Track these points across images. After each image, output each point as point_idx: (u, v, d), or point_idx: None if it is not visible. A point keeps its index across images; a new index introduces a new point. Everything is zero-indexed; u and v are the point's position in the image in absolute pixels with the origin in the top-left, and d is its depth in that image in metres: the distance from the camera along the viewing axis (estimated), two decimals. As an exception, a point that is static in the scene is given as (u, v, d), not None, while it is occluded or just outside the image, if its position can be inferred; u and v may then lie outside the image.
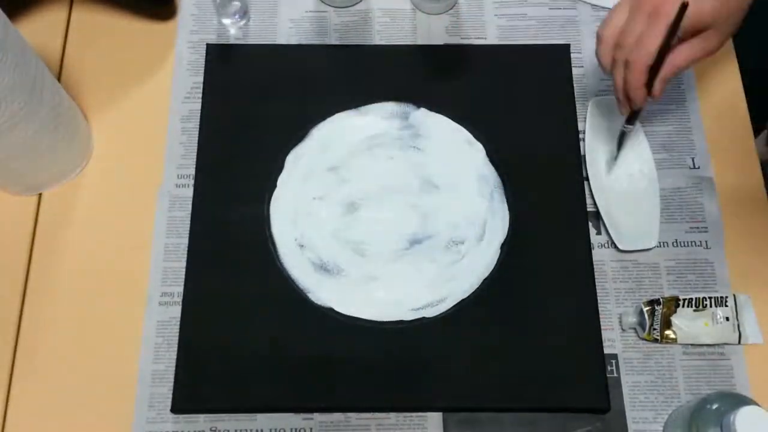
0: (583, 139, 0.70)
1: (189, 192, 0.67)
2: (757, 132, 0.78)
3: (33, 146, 0.62)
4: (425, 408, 0.61)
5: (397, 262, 0.65)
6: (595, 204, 0.67)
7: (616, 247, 0.65)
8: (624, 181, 0.68)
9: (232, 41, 0.74)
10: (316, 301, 0.63)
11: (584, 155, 0.69)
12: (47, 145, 0.63)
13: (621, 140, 0.67)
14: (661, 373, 0.62)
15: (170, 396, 0.60)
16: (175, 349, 0.62)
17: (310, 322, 0.63)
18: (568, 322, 0.63)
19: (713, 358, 0.62)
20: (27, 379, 0.62)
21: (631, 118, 0.63)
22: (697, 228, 0.66)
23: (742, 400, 0.51)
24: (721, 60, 0.73)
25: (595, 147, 0.69)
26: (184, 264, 0.64)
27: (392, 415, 0.61)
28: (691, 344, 0.62)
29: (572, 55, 0.73)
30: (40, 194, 0.68)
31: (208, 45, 0.73)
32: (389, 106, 0.70)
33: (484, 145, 0.69)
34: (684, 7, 0.54)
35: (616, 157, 0.68)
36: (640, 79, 0.57)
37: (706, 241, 0.66)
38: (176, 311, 0.63)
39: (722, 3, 0.55)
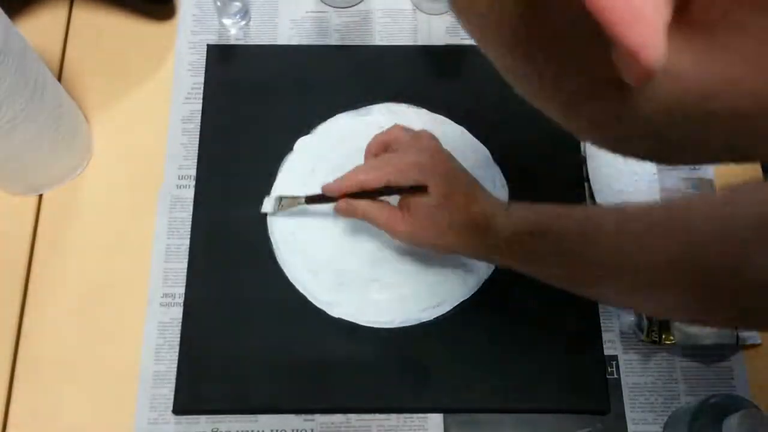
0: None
1: (190, 193, 0.67)
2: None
3: (34, 147, 0.62)
4: (426, 409, 0.61)
5: (397, 264, 0.65)
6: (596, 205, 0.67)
7: (616, 248, 0.65)
8: (625, 182, 0.68)
9: (232, 42, 0.74)
10: (316, 303, 0.63)
11: (585, 156, 0.69)
12: (48, 145, 0.63)
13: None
14: (661, 375, 0.62)
15: (172, 397, 0.60)
16: (177, 350, 0.62)
17: (310, 324, 0.63)
18: (568, 323, 0.63)
19: (713, 359, 0.63)
20: (28, 380, 0.62)
21: (316, 200, 0.62)
22: (698, 230, 0.67)
23: (741, 403, 0.51)
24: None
25: (596, 148, 0.69)
26: (185, 265, 0.64)
27: (393, 416, 0.61)
28: (691, 346, 0.63)
29: (573, 56, 0.73)
30: (41, 195, 0.68)
31: (208, 45, 0.73)
32: (390, 107, 0.70)
33: (485, 146, 0.69)
34: (422, 188, 0.56)
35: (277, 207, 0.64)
36: (346, 187, 0.58)
37: (706, 243, 0.66)
38: (177, 312, 0.63)
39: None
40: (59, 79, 0.72)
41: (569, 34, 0.20)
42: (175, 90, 0.72)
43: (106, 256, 0.66)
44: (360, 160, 0.68)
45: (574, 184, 0.68)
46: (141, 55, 0.73)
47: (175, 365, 0.61)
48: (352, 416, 0.61)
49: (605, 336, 0.63)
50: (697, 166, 0.69)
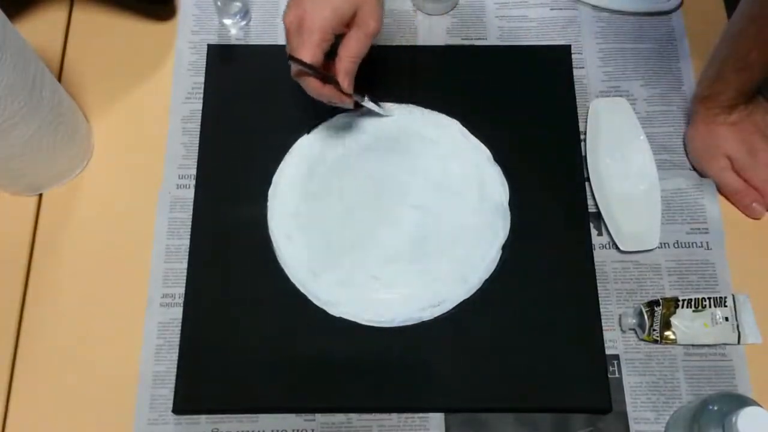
0: (584, 140, 0.70)
1: (190, 193, 0.67)
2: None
3: (33, 146, 0.61)
4: (427, 409, 0.61)
5: (397, 263, 0.65)
6: (596, 205, 0.67)
7: (617, 248, 0.65)
8: (625, 182, 0.68)
9: (233, 42, 0.74)
10: (316, 302, 0.63)
11: (585, 156, 0.69)
12: (47, 145, 0.63)
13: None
14: (663, 374, 0.62)
15: (171, 397, 0.60)
16: (176, 350, 0.61)
17: (310, 323, 0.63)
18: (569, 322, 0.63)
19: (714, 358, 0.62)
20: (27, 380, 0.61)
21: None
22: (698, 229, 0.67)
23: (743, 401, 0.51)
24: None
25: (596, 148, 0.69)
26: (185, 265, 0.64)
27: (394, 415, 0.61)
28: (692, 345, 0.62)
29: (573, 56, 0.73)
30: (41, 194, 0.68)
31: (209, 45, 0.73)
32: (390, 107, 0.70)
33: (485, 146, 0.69)
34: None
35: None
36: (344, 84, 0.59)
37: (707, 242, 0.66)
38: (177, 312, 0.63)
39: None
40: (59, 79, 0.72)
41: None
42: (175, 90, 0.72)
43: (106, 256, 0.66)
44: (359, 160, 0.68)
45: (574, 184, 0.68)
46: (141, 55, 0.74)
47: (175, 365, 0.61)
48: (353, 416, 0.61)
49: (607, 335, 0.63)
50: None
